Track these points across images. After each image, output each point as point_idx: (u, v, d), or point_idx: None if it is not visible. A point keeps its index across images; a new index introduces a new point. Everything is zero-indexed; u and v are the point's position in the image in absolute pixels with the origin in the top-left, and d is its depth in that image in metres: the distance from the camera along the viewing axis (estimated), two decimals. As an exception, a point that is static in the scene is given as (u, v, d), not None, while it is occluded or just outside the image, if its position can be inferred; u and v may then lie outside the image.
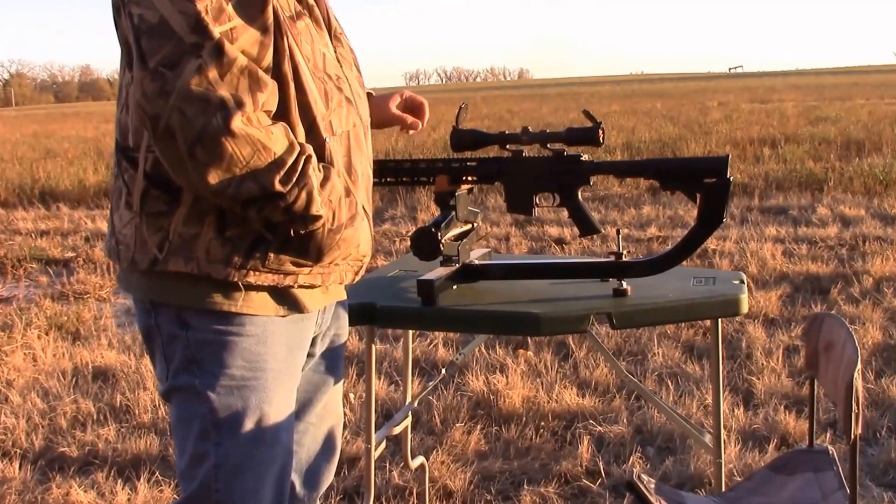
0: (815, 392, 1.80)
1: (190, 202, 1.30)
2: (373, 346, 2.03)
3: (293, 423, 1.47)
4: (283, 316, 1.39)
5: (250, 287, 1.34)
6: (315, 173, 1.29)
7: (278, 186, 1.24)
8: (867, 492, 2.52)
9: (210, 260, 1.30)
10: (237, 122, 1.19)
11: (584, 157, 1.88)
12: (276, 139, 1.24)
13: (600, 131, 1.81)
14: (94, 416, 3.27)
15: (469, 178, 1.94)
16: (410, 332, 2.52)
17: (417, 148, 12.45)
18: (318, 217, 1.30)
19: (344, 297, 1.60)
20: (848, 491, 1.55)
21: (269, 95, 1.25)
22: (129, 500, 2.64)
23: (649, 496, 1.50)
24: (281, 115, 1.30)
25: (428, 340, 4.00)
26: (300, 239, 1.33)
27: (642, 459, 2.79)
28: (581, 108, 2.01)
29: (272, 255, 1.33)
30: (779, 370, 3.42)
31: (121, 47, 1.28)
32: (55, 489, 2.72)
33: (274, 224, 1.31)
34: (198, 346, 1.35)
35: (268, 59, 1.26)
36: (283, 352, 1.41)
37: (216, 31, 1.19)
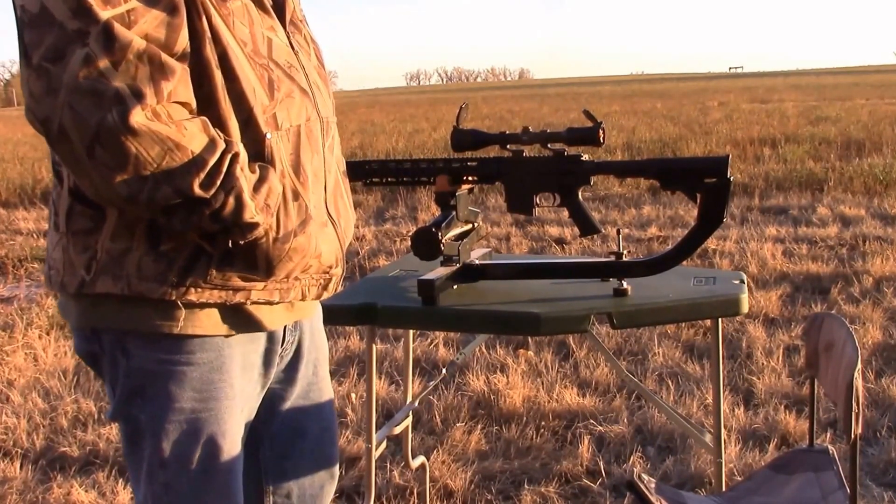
0: (816, 392, 1.81)
1: (116, 215, 1.16)
2: (373, 345, 2.03)
3: (242, 450, 1.34)
4: (237, 335, 1.26)
5: (192, 305, 1.20)
6: (244, 174, 1.13)
7: (198, 191, 1.09)
8: (867, 491, 2.52)
9: (142, 278, 1.17)
10: (137, 118, 1.04)
11: (585, 157, 1.88)
12: (192, 136, 1.08)
13: (601, 131, 1.82)
14: (95, 416, 3.27)
15: (469, 178, 1.94)
16: (411, 331, 2.52)
17: (418, 148, 12.45)
18: (255, 224, 1.15)
19: (314, 314, 1.44)
20: (848, 490, 1.55)
21: (179, 84, 1.09)
22: (130, 499, 2.64)
23: (649, 496, 1.51)
24: (208, 106, 1.15)
25: (428, 340, 4.00)
26: (244, 250, 1.18)
27: (643, 459, 2.79)
28: (581, 108, 2.01)
29: (214, 269, 1.19)
30: (779, 370, 3.42)
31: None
32: (56, 489, 2.72)
33: (210, 233, 1.16)
34: (140, 377, 1.22)
35: (181, 42, 1.10)
36: (238, 375, 1.28)
37: (104, 13, 1.04)
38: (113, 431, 3.10)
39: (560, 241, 6.19)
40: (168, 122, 1.07)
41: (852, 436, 1.36)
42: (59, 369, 3.79)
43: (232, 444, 1.29)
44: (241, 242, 1.17)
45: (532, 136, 1.88)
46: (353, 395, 3.36)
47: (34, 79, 1.06)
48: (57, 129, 1.06)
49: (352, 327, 4.02)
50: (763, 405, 3.12)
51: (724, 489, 1.90)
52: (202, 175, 1.09)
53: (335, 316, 1.89)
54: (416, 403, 2.44)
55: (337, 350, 3.91)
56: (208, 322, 1.23)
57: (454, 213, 1.90)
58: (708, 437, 2.04)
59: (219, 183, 1.11)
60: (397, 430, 2.30)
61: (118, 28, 1.05)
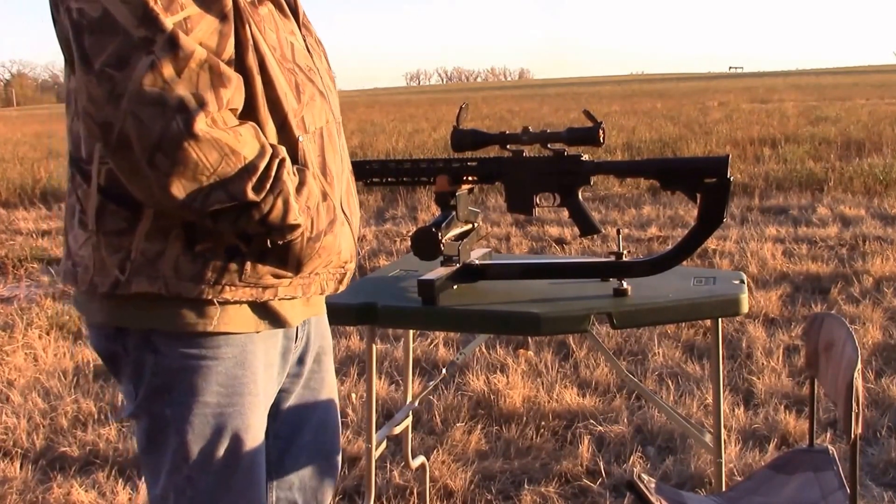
0: (815, 392, 1.81)
1: (152, 216, 1.18)
2: (373, 345, 2.03)
3: (264, 444, 1.37)
4: (262, 332, 1.30)
5: (226, 303, 1.23)
6: (290, 178, 1.18)
7: (251, 195, 1.13)
8: (867, 491, 2.52)
9: (179, 278, 1.19)
10: (201, 125, 1.07)
11: (585, 157, 1.88)
12: (245, 142, 1.12)
13: (600, 131, 1.82)
14: (95, 416, 3.28)
15: (469, 178, 1.94)
16: (411, 331, 2.52)
17: (418, 148, 12.45)
18: (297, 226, 1.19)
19: (323, 311, 1.48)
20: (848, 490, 1.55)
21: (235, 91, 1.13)
22: (129, 499, 2.65)
23: (649, 496, 1.51)
24: (248, 113, 1.18)
25: (428, 340, 4.00)
26: (278, 249, 1.22)
27: (642, 459, 2.79)
28: (581, 108, 2.01)
29: (249, 267, 1.22)
30: (779, 370, 3.42)
31: (61, 47, 1.15)
32: (56, 489, 2.72)
33: (249, 234, 1.20)
34: (168, 374, 1.24)
35: (229, 50, 1.14)
36: (261, 372, 1.31)
37: (168, 21, 1.07)
38: (112, 432, 3.10)
39: (560, 241, 6.19)
40: (225, 129, 1.11)
41: (852, 436, 1.36)
42: (59, 369, 3.79)
43: (255, 439, 1.31)
44: (280, 243, 1.21)
45: (532, 136, 1.88)
46: (353, 395, 3.36)
47: (94, 84, 1.07)
48: (117, 137, 1.07)
49: (352, 327, 4.02)
50: (763, 405, 3.12)
51: (724, 489, 1.90)
52: (254, 179, 1.13)
53: (335, 316, 1.88)
54: (416, 403, 2.44)
55: (338, 350, 3.91)
56: (238, 319, 1.25)
57: (454, 213, 1.90)
58: (708, 437, 2.04)
59: (268, 187, 1.14)
60: (397, 430, 2.30)
61: (182, 37, 1.08)
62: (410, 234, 1.84)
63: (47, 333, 4.33)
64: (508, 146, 1.92)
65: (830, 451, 1.76)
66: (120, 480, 2.74)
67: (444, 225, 1.83)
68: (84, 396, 3.46)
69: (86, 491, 2.69)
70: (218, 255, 1.20)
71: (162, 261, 1.19)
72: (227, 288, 1.21)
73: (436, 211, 1.94)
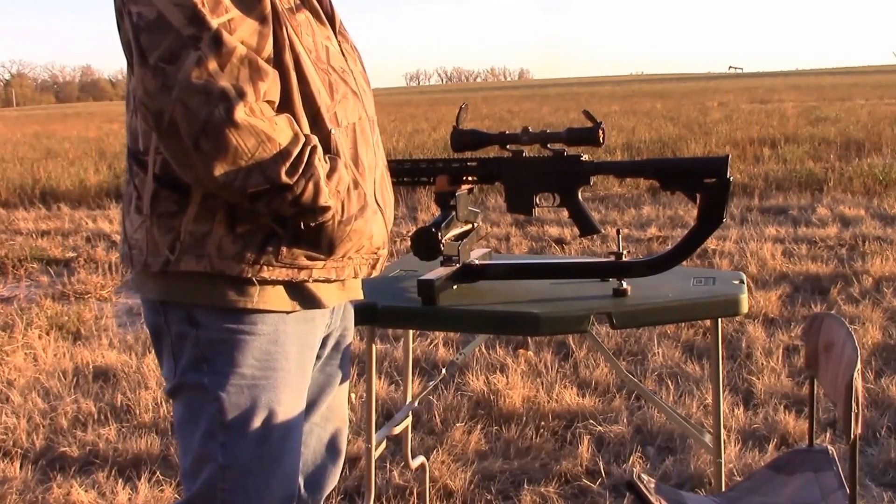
0: (815, 392, 1.81)
1: (199, 200, 1.29)
2: (373, 345, 2.03)
3: (302, 424, 1.46)
4: (297, 311, 1.38)
5: (265, 282, 1.33)
6: (321, 164, 1.28)
7: (284, 178, 1.23)
8: (867, 491, 2.52)
9: (222, 257, 1.30)
10: (240, 113, 1.19)
11: (585, 158, 1.88)
12: (281, 130, 1.23)
13: (600, 131, 1.82)
14: (95, 416, 3.28)
15: (469, 179, 1.94)
16: (411, 331, 2.52)
17: (418, 148, 12.46)
18: (327, 208, 1.29)
19: (360, 294, 1.56)
20: (848, 491, 1.55)
21: (271, 85, 1.24)
22: (129, 499, 2.65)
23: (649, 496, 1.51)
24: (284, 106, 1.29)
25: (428, 340, 4.00)
26: (311, 232, 1.32)
27: (642, 459, 2.79)
28: (581, 108, 2.01)
29: (285, 249, 1.32)
30: (779, 370, 3.42)
31: (124, 50, 1.27)
32: (56, 489, 2.72)
33: (284, 218, 1.30)
34: (208, 345, 1.34)
35: (268, 49, 1.26)
36: (294, 351, 1.40)
37: (214, 21, 1.19)
38: (112, 432, 3.10)
39: (560, 241, 6.20)
40: (262, 118, 1.22)
41: (852, 436, 1.36)
42: (59, 369, 3.79)
43: (286, 414, 1.40)
44: (312, 224, 1.31)
45: (532, 136, 1.88)
46: (352, 396, 3.35)
47: (149, 77, 1.19)
48: (167, 123, 1.19)
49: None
50: (763, 405, 3.12)
51: (723, 489, 1.90)
52: (288, 164, 1.24)
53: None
54: (416, 403, 2.44)
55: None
56: (275, 298, 1.35)
57: (454, 213, 1.90)
58: (707, 437, 2.04)
59: (301, 171, 1.25)
60: (397, 430, 2.30)
61: (226, 36, 1.20)
62: (410, 234, 1.84)
63: (47, 333, 4.33)
64: (508, 146, 1.91)
65: (830, 451, 1.76)
66: (120, 480, 2.74)
67: (443, 225, 1.83)
68: (84, 396, 3.46)
69: (86, 491, 2.69)
70: (257, 236, 1.31)
71: (207, 241, 1.30)
72: (265, 267, 1.32)
73: (436, 211, 1.94)
